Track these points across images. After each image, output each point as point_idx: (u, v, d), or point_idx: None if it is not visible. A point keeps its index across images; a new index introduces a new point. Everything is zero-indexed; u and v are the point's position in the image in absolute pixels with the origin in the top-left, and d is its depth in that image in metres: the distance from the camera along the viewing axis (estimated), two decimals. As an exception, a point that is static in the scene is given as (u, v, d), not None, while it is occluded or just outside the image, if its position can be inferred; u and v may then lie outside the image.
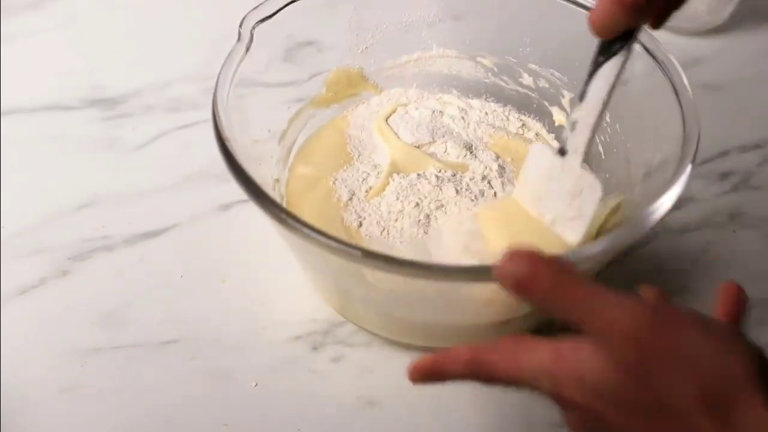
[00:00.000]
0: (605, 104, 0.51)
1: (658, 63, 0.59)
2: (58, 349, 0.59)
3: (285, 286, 0.62)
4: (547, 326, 0.60)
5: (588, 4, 0.62)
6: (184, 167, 0.69)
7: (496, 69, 0.68)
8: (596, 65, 0.51)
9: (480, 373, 0.43)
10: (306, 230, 0.49)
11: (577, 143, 0.52)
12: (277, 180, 0.62)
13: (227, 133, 0.54)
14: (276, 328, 0.60)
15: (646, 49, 0.60)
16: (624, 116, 0.63)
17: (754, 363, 0.40)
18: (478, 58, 0.68)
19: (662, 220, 0.67)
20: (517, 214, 0.56)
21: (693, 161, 0.53)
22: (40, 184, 0.68)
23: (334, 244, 0.49)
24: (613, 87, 0.51)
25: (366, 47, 0.67)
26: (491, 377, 0.43)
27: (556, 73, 0.66)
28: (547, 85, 0.67)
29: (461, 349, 0.44)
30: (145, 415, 0.56)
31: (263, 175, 0.59)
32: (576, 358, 0.41)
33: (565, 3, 0.62)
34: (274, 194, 0.60)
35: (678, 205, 0.68)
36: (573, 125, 0.52)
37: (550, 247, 0.53)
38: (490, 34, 0.67)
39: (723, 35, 0.82)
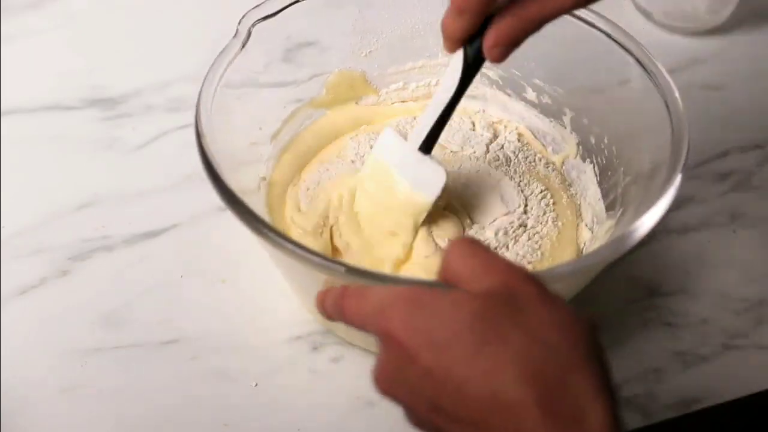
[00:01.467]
0: (451, 100, 0.54)
1: (648, 72, 0.58)
2: (58, 349, 0.59)
3: (285, 286, 0.62)
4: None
5: (598, 24, 0.61)
6: (184, 167, 0.69)
7: (500, 81, 0.67)
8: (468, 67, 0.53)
9: (341, 316, 0.45)
10: (288, 245, 0.49)
11: (418, 127, 0.56)
12: (264, 178, 0.62)
13: (206, 129, 0.54)
14: (276, 328, 0.60)
15: (638, 61, 0.59)
16: (612, 125, 0.62)
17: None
18: (484, 69, 0.67)
19: (662, 218, 0.68)
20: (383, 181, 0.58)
21: (683, 170, 0.53)
22: (40, 184, 0.68)
23: (316, 259, 0.48)
24: (459, 89, 0.54)
25: (370, 51, 0.66)
26: (348, 321, 0.44)
27: (560, 90, 0.65)
28: (549, 102, 0.66)
29: (333, 291, 0.45)
30: (145, 415, 0.56)
31: (249, 175, 0.59)
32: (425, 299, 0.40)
33: (574, 20, 0.61)
34: (259, 195, 0.60)
35: (678, 205, 0.68)
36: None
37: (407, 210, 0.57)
38: None
39: (723, 35, 0.82)
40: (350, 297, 0.44)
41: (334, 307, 0.45)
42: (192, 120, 0.62)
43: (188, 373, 0.58)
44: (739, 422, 0.58)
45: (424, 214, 0.57)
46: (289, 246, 0.49)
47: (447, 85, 0.54)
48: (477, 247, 0.42)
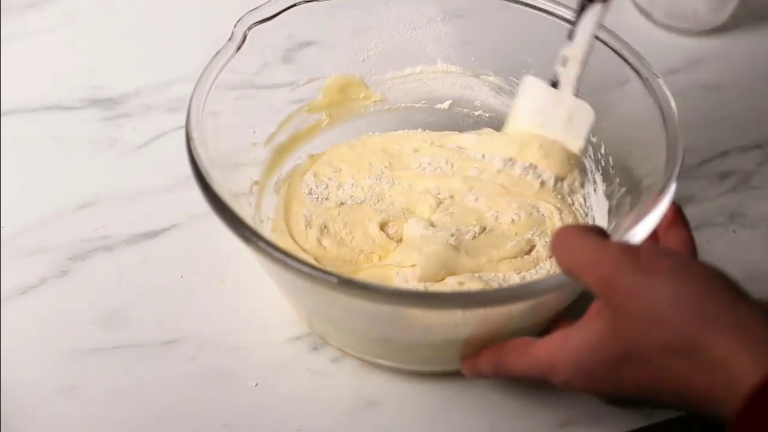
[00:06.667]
0: (592, 42, 0.59)
1: (643, 80, 0.58)
2: (58, 349, 0.59)
3: (285, 286, 0.62)
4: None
5: (600, 36, 0.60)
6: (184, 167, 0.68)
7: (498, 89, 0.67)
8: (582, 7, 0.59)
9: (501, 374, 0.51)
10: (274, 252, 0.49)
11: (568, 76, 0.60)
12: (256, 182, 0.62)
13: (196, 132, 0.54)
14: (276, 328, 0.60)
15: (635, 69, 0.59)
16: (609, 134, 0.62)
17: (716, 297, 0.42)
18: (482, 76, 0.67)
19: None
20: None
21: (677, 179, 0.53)
22: (40, 184, 0.68)
23: (304, 268, 0.48)
24: (598, 27, 0.59)
25: (368, 56, 0.66)
26: (512, 376, 0.51)
27: None
28: None
29: (487, 353, 0.52)
30: (145, 415, 0.56)
31: (242, 178, 0.59)
32: (568, 345, 0.47)
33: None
34: (250, 198, 0.60)
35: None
36: (564, 61, 0.60)
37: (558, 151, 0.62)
38: (495, 53, 0.66)
39: (723, 35, 0.82)
40: (512, 355, 0.50)
41: (493, 368, 0.51)
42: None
43: (188, 373, 0.58)
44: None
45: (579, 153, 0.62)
46: (277, 254, 0.49)
47: (582, 30, 0.59)
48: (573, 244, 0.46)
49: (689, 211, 0.67)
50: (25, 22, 0.81)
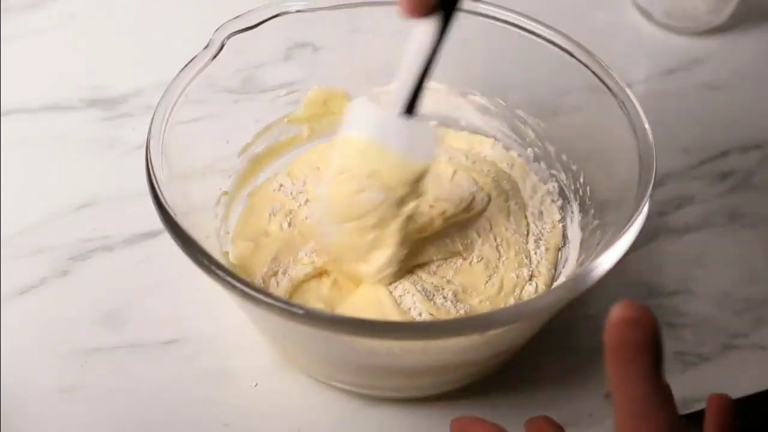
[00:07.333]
0: (425, 60, 0.52)
1: (617, 99, 0.57)
2: (58, 349, 0.59)
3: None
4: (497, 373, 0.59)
5: (582, 58, 0.59)
6: None
7: (484, 109, 0.66)
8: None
9: None
10: (237, 283, 0.48)
11: (395, 93, 0.53)
12: (226, 192, 0.61)
13: (155, 144, 0.53)
14: (276, 328, 0.60)
15: (609, 88, 0.57)
16: (580, 154, 0.61)
17: None
18: (469, 96, 0.66)
19: (662, 218, 0.68)
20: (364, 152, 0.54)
21: (648, 202, 0.51)
22: (40, 184, 0.68)
23: (271, 301, 0.46)
24: (435, 45, 0.51)
25: (352, 69, 0.65)
26: None
27: (542, 124, 0.64)
28: (532, 135, 0.64)
29: (487, 426, 0.47)
30: (145, 415, 0.56)
31: (209, 189, 0.59)
32: None
33: (559, 52, 0.60)
34: (216, 209, 0.60)
35: (678, 205, 0.68)
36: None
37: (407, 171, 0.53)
38: (482, 73, 0.66)
39: (723, 35, 0.82)
40: None
41: None
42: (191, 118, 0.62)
43: (188, 373, 0.58)
44: (739, 422, 0.58)
45: (426, 178, 0.54)
46: (238, 285, 0.47)
47: (421, 40, 0.51)
48: None
49: (689, 211, 0.68)
50: (25, 22, 0.81)
